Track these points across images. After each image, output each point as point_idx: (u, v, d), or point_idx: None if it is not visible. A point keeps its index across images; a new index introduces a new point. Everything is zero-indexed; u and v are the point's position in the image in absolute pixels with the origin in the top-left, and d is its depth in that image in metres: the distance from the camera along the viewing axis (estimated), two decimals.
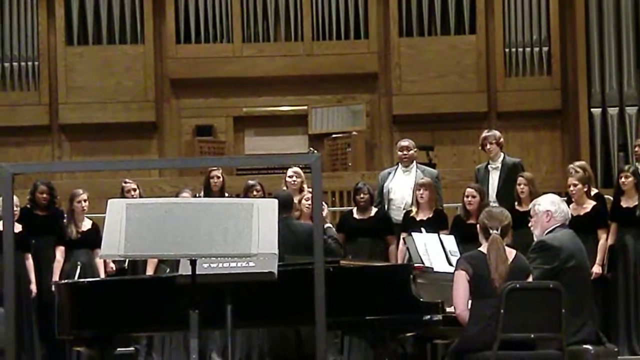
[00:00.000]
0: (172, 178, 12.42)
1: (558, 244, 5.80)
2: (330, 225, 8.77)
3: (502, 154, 9.67)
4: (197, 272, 4.68)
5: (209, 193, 9.47)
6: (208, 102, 13.45)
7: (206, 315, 4.90)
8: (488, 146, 9.60)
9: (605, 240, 9.13)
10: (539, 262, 5.74)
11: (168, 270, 8.40)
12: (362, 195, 9.39)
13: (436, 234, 7.39)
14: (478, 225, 5.80)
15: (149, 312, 6.23)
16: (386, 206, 9.61)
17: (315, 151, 11.97)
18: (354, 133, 13.05)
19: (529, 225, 6.04)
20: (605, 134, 12.57)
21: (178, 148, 13.33)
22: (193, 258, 4.61)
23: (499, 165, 9.58)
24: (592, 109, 12.65)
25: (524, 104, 12.91)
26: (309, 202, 8.67)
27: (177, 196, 8.89)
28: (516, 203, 9.11)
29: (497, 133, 9.76)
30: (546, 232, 5.92)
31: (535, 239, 5.95)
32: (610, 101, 12.63)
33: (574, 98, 12.87)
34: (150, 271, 8.78)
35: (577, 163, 9.61)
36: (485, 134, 9.74)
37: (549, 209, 5.93)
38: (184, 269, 5.24)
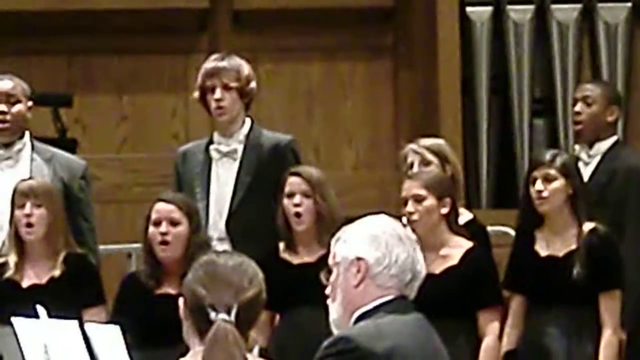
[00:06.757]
0: None
1: (381, 347, 3.96)
2: None
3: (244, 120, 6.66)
4: None
5: None
6: None
7: None
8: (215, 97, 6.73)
9: (494, 337, 5.97)
10: None
11: None
12: None
13: (76, 321, 5.39)
14: (181, 301, 4.10)
15: None
16: None
17: None
18: None
19: (326, 293, 4.15)
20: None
21: None
22: None
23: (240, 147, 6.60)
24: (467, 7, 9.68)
25: None
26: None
27: None
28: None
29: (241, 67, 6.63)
30: (359, 313, 4.02)
31: (332, 327, 4.02)
32: None
33: None
34: None
35: (428, 142, 6.57)
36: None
37: (362, 256, 3.94)
38: None
